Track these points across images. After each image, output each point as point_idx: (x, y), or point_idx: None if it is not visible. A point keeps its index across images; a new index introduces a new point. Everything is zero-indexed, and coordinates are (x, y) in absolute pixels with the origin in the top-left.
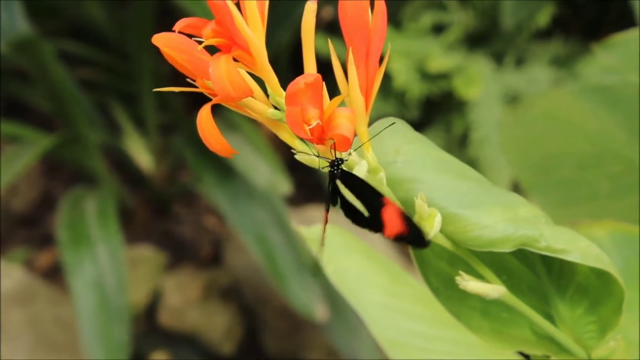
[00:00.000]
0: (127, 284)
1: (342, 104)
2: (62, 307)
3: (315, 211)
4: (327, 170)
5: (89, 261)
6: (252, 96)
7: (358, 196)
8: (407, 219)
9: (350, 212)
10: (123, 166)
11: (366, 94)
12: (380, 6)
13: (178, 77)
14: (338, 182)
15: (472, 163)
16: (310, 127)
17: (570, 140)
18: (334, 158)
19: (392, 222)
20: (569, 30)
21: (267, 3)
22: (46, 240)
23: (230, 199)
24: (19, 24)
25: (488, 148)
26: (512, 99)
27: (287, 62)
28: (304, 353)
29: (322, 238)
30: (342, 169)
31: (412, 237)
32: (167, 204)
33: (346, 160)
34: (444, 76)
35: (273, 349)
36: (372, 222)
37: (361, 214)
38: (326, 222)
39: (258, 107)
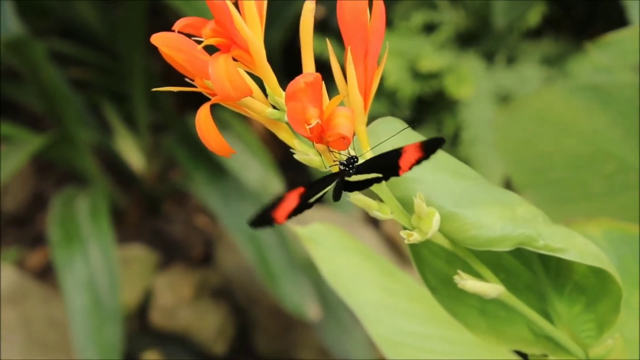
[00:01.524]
0: (118, 284)
1: (341, 103)
2: (54, 307)
3: (308, 211)
4: (336, 169)
5: (80, 261)
6: (251, 96)
7: (373, 170)
8: (425, 143)
9: (359, 186)
10: (114, 166)
11: (365, 94)
12: (379, 6)
13: (170, 77)
14: (352, 178)
15: (464, 162)
16: (310, 126)
17: (563, 139)
18: (349, 156)
19: (411, 157)
20: (560, 29)
21: (265, 3)
22: (37, 240)
23: (222, 198)
24: (10, 23)
25: (479, 147)
26: (503, 98)
27: (279, 62)
28: (296, 353)
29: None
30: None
31: (429, 152)
32: (158, 203)
33: (357, 160)
34: (435, 75)
35: (265, 348)
36: (385, 176)
37: (372, 179)
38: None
39: (257, 106)
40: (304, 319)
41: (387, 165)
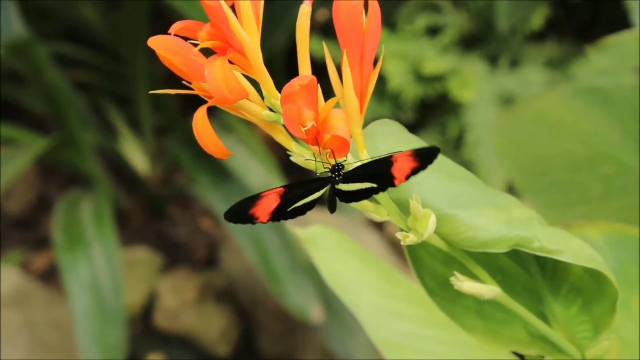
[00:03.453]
0: (122, 286)
1: (337, 105)
2: (58, 310)
3: (310, 213)
4: (326, 175)
5: (84, 263)
6: (247, 98)
7: (364, 179)
8: (418, 152)
9: (353, 196)
10: (118, 168)
11: (361, 96)
12: (374, 8)
13: (173, 79)
14: (339, 185)
15: (467, 165)
16: (305, 128)
17: (564, 142)
18: (334, 164)
19: (405, 166)
20: (563, 32)
21: (262, 5)
22: (41, 243)
23: (226, 200)
24: (14, 26)
25: (483, 150)
26: (506, 101)
27: (282, 64)
28: (300, 355)
29: None
30: (343, 175)
31: (426, 160)
32: (162, 205)
33: (342, 167)
34: (438, 78)
35: (268, 350)
36: (381, 186)
37: (366, 189)
38: None
39: (253, 109)
40: (308, 321)
41: (379, 174)
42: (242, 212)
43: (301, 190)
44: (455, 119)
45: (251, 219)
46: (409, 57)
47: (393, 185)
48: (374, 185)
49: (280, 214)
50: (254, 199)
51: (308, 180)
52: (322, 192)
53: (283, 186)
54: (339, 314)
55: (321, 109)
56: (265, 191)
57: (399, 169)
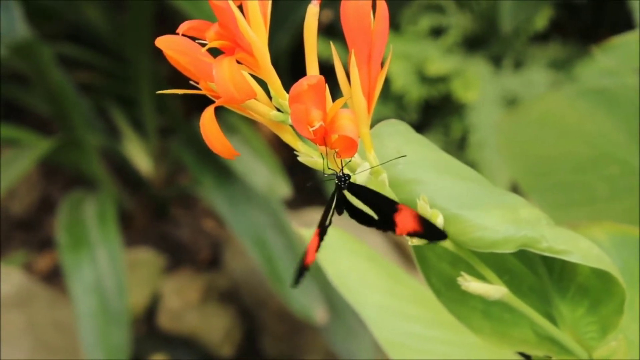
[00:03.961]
0: (126, 287)
1: (344, 106)
2: (61, 310)
3: (315, 214)
4: (330, 172)
5: (88, 264)
6: (255, 98)
7: (368, 204)
8: (423, 220)
9: (357, 215)
10: (122, 169)
11: (368, 96)
12: (382, 9)
13: (177, 80)
14: (345, 192)
15: (471, 166)
16: (314, 128)
17: (568, 143)
18: (341, 174)
19: (406, 222)
20: (567, 33)
21: (269, 5)
22: (45, 244)
23: (229, 201)
24: (18, 27)
25: (486, 151)
26: (510, 102)
27: (286, 65)
28: (303, 356)
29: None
30: (349, 183)
31: (428, 234)
32: (166, 207)
33: (349, 177)
34: (442, 79)
35: (272, 351)
36: (382, 224)
37: (369, 215)
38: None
39: (261, 109)
40: (311, 322)
41: (382, 210)
42: (303, 270)
43: (327, 215)
44: (459, 120)
45: (306, 268)
46: (413, 58)
47: (394, 232)
48: (375, 217)
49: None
50: (305, 254)
51: (328, 206)
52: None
53: (318, 226)
54: (342, 314)
55: (329, 109)
56: (308, 244)
57: (403, 221)
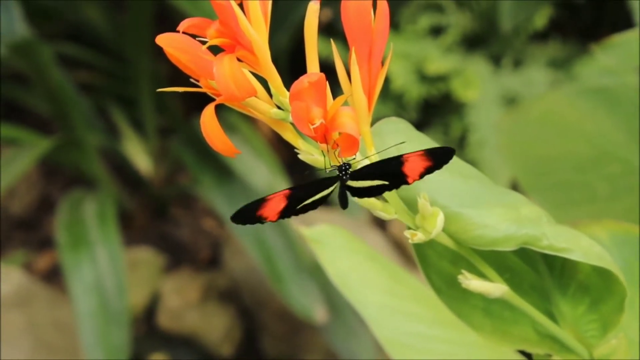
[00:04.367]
0: (126, 287)
1: (345, 104)
2: (61, 310)
3: (314, 213)
4: (334, 173)
5: (88, 264)
6: (255, 96)
7: (375, 177)
8: (430, 151)
9: (365, 192)
10: (121, 169)
11: (369, 94)
12: (383, 7)
13: (177, 80)
14: (349, 182)
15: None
16: (314, 126)
17: (569, 142)
18: (342, 163)
19: (417, 165)
20: (566, 32)
21: (270, 4)
22: (45, 243)
23: (229, 201)
24: (18, 26)
25: (486, 150)
26: (510, 101)
27: (286, 65)
28: (303, 355)
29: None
30: (351, 174)
31: (440, 159)
32: (166, 206)
33: (349, 166)
34: (442, 78)
35: (272, 351)
36: (393, 184)
37: (378, 186)
38: None
39: (261, 107)
40: (311, 321)
41: (390, 172)
42: (249, 214)
43: (308, 191)
44: (459, 119)
45: (259, 219)
46: (413, 57)
47: (407, 183)
48: (386, 182)
49: (289, 212)
50: (261, 201)
51: (314, 182)
52: (330, 190)
53: (289, 188)
54: (342, 314)
55: (330, 107)
56: (271, 194)
57: (412, 168)
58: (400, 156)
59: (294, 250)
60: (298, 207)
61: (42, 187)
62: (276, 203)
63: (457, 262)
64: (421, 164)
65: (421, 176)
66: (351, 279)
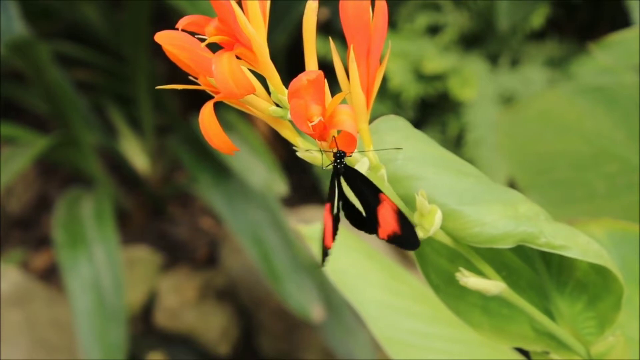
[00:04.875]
0: (123, 285)
1: (343, 101)
2: (59, 309)
3: (312, 212)
4: (331, 167)
5: (85, 262)
6: (254, 93)
7: (357, 193)
8: (402, 217)
9: (351, 214)
10: (119, 167)
11: (367, 92)
12: (381, 5)
13: (174, 79)
14: (342, 179)
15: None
16: (313, 123)
17: (566, 141)
18: (337, 150)
19: (387, 220)
20: (564, 31)
21: (268, 2)
22: (42, 242)
23: (226, 199)
24: (16, 25)
25: (483, 149)
26: (507, 100)
27: (284, 63)
28: (300, 354)
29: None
30: (345, 164)
31: (405, 237)
32: (163, 205)
33: (349, 155)
34: (439, 77)
35: (269, 349)
36: (369, 222)
37: (360, 215)
38: (333, 225)
39: (260, 104)
40: (308, 320)
41: (368, 201)
42: (325, 250)
43: (334, 191)
44: (456, 118)
45: (328, 252)
46: (410, 56)
47: (377, 234)
48: (363, 213)
49: (336, 228)
50: (323, 232)
51: (331, 181)
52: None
53: (326, 201)
54: (339, 312)
55: (328, 105)
56: (324, 220)
57: (384, 219)
58: (380, 192)
59: (292, 249)
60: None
61: (40, 185)
62: (329, 222)
63: (455, 259)
64: (392, 223)
65: (388, 239)
66: (349, 277)
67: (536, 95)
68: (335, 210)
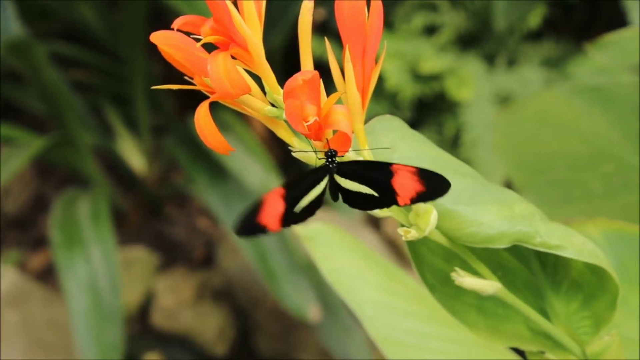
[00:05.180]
0: (120, 285)
1: (339, 101)
2: (56, 309)
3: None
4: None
5: (82, 262)
6: (249, 93)
7: (361, 179)
8: (423, 173)
9: (356, 200)
10: (115, 168)
11: (363, 92)
12: (377, 5)
13: (170, 79)
14: (337, 177)
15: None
16: (308, 123)
17: (563, 141)
18: (328, 150)
19: (407, 186)
20: (560, 31)
21: (264, 2)
22: (39, 242)
23: (223, 200)
24: (12, 26)
25: (480, 149)
26: (504, 100)
27: (280, 63)
28: (297, 354)
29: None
30: (337, 162)
31: (432, 189)
32: (160, 205)
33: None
34: (435, 77)
35: (266, 350)
36: (384, 198)
37: (368, 196)
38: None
39: (255, 104)
40: (305, 320)
41: (379, 181)
42: (251, 223)
43: (301, 186)
44: (453, 118)
45: (262, 229)
46: (406, 56)
47: (397, 204)
48: (375, 193)
49: (290, 217)
50: (258, 205)
51: (305, 174)
52: (323, 185)
53: (282, 185)
54: (336, 313)
55: (323, 104)
56: (265, 194)
57: (403, 186)
58: (390, 165)
59: (288, 249)
60: (298, 212)
61: (37, 186)
62: (273, 206)
63: (450, 259)
64: (413, 185)
65: (412, 201)
66: (345, 277)
67: (533, 95)
68: (295, 206)
